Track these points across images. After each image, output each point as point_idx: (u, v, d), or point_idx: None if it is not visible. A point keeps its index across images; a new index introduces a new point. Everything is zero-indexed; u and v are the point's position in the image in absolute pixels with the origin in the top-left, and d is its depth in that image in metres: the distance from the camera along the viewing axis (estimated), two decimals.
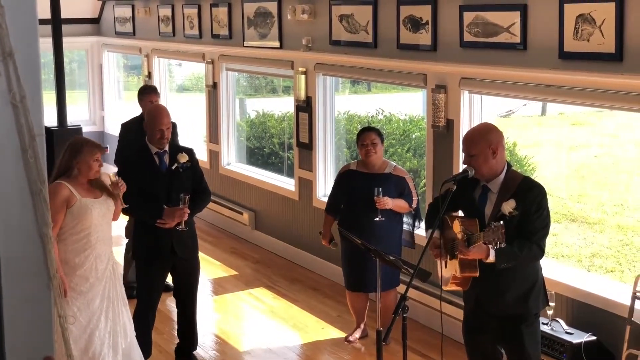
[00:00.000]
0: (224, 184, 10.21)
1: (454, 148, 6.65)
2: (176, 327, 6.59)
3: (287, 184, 9.17)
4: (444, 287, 4.90)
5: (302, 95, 8.48)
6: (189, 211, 5.91)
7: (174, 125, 6.65)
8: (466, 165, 4.74)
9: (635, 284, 5.46)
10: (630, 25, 5.28)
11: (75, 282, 5.29)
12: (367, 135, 6.60)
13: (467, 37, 6.48)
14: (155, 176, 5.96)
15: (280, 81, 12.55)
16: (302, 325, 7.30)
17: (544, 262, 4.85)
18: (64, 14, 10.45)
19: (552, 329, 5.77)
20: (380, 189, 6.38)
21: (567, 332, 5.72)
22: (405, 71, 7.17)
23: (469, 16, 6.44)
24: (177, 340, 6.50)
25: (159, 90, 8.37)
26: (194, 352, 6.45)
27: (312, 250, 8.57)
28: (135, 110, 8.11)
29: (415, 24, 6.97)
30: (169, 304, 7.25)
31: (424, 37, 6.91)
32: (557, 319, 5.83)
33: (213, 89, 10.23)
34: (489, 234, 4.37)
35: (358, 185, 6.56)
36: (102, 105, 13.51)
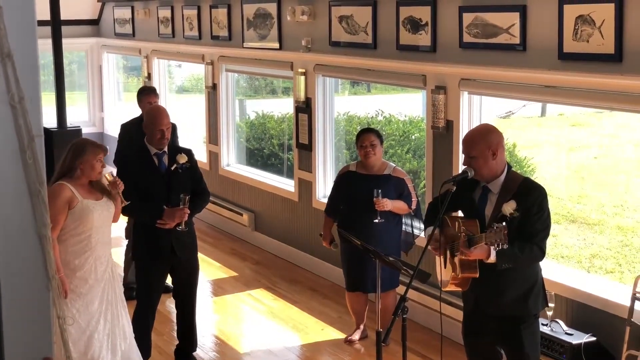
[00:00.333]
0: (223, 185, 10.21)
1: (454, 149, 6.65)
2: (176, 328, 6.59)
3: (286, 185, 9.17)
4: (443, 289, 4.90)
5: (302, 96, 8.47)
6: (189, 211, 5.92)
7: (173, 126, 6.65)
8: (466, 166, 4.74)
9: (635, 285, 5.45)
10: (630, 26, 5.28)
11: (75, 284, 5.28)
12: (366, 136, 6.59)
13: (467, 38, 6.48)
14: (155, 177, 5.97)
15: (279, 82, 12.53)
16: (301, 326, 7.29)
17: (543, 263, 4.84)
18: (64, 16, 10.44)
19: (551, 330, 5.77)
20: (380, 190, 6.37)
21: (566, 333, 5.72)
22: (405, 72, 7.17)
23: (468, 17, 6.44)
24: (176, 342, 6.50)
25: (158, 91, 8.37)
26: (194, 354, 6.45)
27: (312, 251, 8.56)
28: (135, 111, 8.11)
29: (415, 25, 6.97)
30: (169, 305, 7.24)
31: (423, 38, 6.90)
32: (557, 319, 5.83)
33: (212, 90, 10.22)
34: (491, 235, 4.36)
35: (357, 187, 6.55)
36: (101, 107, 13.51)
